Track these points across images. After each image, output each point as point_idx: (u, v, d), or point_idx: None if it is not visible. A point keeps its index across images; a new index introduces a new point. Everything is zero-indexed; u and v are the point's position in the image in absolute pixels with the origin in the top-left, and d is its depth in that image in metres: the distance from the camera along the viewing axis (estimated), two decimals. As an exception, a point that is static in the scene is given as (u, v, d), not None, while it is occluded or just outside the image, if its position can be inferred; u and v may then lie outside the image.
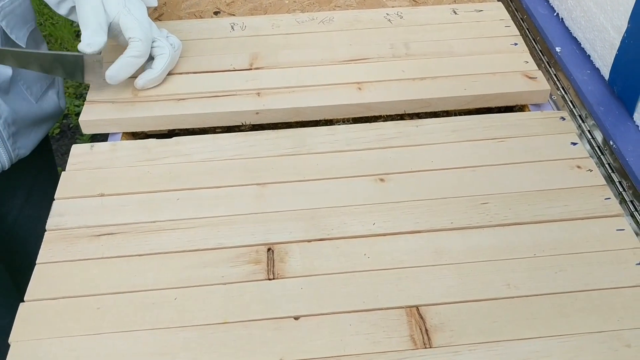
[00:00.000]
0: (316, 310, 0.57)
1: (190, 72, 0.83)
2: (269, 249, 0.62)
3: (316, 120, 0.80)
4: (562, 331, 0.55)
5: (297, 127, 0.78)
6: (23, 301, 0.58)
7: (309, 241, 0.63)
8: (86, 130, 0.78)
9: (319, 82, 0.81)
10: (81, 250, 0.63)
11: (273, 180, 0.69)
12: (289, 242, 0.63)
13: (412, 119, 0.80)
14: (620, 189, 0.70)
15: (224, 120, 0.78)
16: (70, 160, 0.72)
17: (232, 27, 0.92)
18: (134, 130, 0.79)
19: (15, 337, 0.56)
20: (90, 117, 0.77)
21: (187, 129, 0.79)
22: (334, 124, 0.79)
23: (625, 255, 0.61)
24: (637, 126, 0.73)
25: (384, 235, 0.63)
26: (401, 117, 0.80)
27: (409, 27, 0.91)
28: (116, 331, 0.56)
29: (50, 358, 0.54)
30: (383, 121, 0.79)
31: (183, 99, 0.79)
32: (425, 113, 0.80)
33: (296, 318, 0.57)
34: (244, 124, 0.78)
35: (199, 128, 0.79)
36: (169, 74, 0.82)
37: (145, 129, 0.78)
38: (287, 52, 0.86)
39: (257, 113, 0.78)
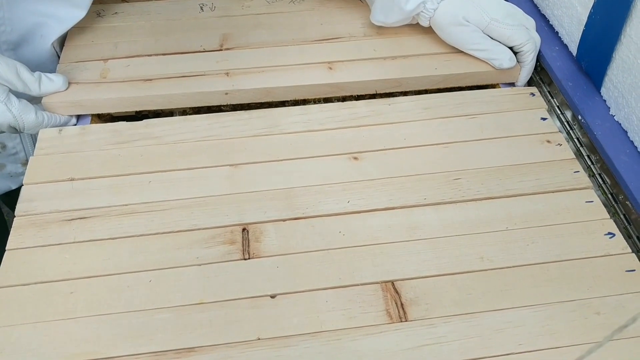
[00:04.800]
0: (292, 288, 0.57)
1: (159, 54, 0.82)
2: (243, 229, 0.62)
3: (287, 101, 0.79)
4: (535, 301, 0.56)
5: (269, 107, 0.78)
6: (-7, 288, 0.57)
7: (283, 220, 0.63)
8: (50, 111, 0.76)
9: (290, 62, 0.80)
10: (52, 235, 0.61)
11: (246, 160, 0.69)
12: (263, 222, 0.63)
13: (383, 98, 0.80)
14: (589, 163, 0.71)
15: (192, 101, 0.77)
16: (38, 144, 0.71)
17: (202, 8, 0.90)
18: (99, 112, 0.77)
19: (-14, 324, 0.55)
20: (54, 99, 0.75)
21: (155, 112, 0.78)
22: (307, 104, 0.79)
23: (593, 226, 0.62)
24: (605, 101, 0.74)
25: (359, 212, 0.64)
26: (373, 96, 0.80)
27: (379, 6, 0.90)
28: (90, 315, 0.55)
29: (23, 344, 0.53)
30: (355, 99, 0.79)
31: (150, 80, 0.77)
32: (397, 92, 0.81)
33: (272, 296, 0.57)
34: (223, 105, 0.77)
35: (167, 110, 0.78)
36: (137, 55, 0.81)
37: (112, 110, 0.77)
38: (258, 33, 0.85)
39: (226, 93, 0.77)
